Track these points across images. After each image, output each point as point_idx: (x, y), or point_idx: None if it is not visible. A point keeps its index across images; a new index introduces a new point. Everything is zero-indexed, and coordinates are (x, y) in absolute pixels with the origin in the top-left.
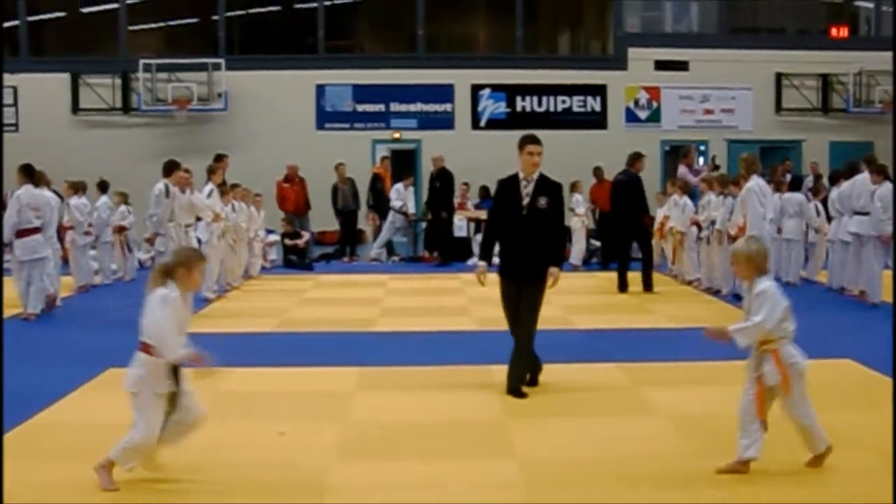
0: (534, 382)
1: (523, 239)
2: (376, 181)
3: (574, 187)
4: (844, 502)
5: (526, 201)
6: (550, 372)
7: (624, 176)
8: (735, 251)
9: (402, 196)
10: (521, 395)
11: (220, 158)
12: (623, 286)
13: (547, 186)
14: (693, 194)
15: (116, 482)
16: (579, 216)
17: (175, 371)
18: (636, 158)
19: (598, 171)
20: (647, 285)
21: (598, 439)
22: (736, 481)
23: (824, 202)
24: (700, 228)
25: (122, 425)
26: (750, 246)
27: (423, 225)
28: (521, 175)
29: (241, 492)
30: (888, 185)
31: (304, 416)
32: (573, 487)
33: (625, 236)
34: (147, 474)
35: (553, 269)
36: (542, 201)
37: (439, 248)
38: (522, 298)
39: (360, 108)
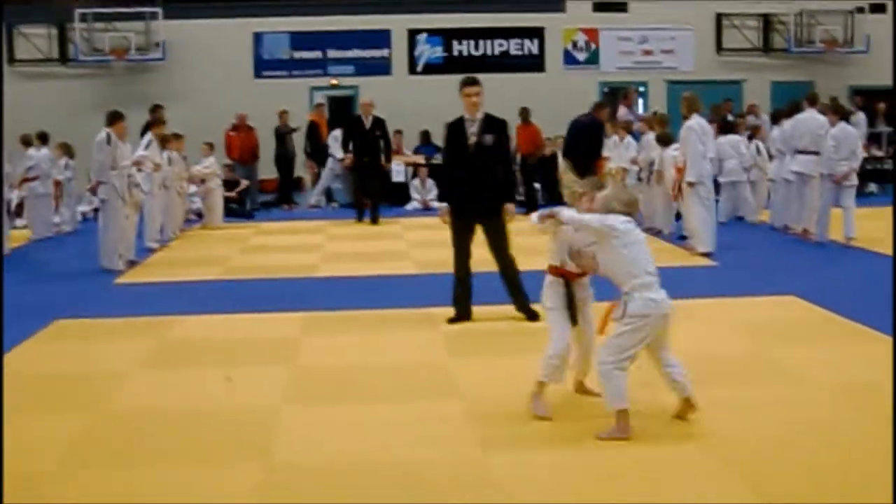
0: (531, 316)
1: (474, 177)
2: (313, 129)
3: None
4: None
5: (472, 140)
6: (492, 313)
7: (587, 118)
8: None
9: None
10: (536, 317)
11: (156, 110)
12: None
13: (492, 124)
14: (635, 136)
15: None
16: None
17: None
18: (601, 107)
19: (524, 112)
20: None
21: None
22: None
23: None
24: (640, 168)
25: (75, 375)
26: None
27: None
28: (466, 116)
29: (192, 437)
30: (842, 125)
31: (251, 362)
32: (519, 425)
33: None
34: (98, 421)
35: (508, 206)
36: (488, 139)
37: (371, 200)
38: (488, 238)
39: (298, 55)
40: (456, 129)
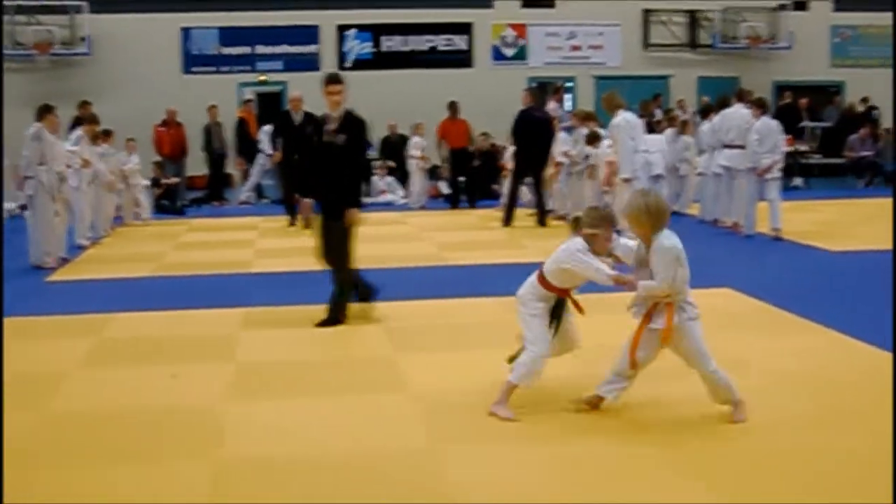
0: (366, 299)
1: (326, 176)
2: (241, 125)
3: (416, 130)
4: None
5: (327, 138)
6: (431, 308)
7: (540, 113)
8: (628, 208)
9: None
10: (330, 324)
11: (84, 106)
12: (509, 219)
13: (349, 124)
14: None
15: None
16: (415, 158)
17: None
18: (533, 94)
19: (452, 106)
20: (543, 220)
21: (488, 370)
22: (618, 407)
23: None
24: (571, 163)
25: (14, 375)
26: (639, 201)
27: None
28: (329, 113)
29: (140, 436)
30: (765, 119)
31: (193, 358)
32: (466, 418)
33: (525, 172)
34: (42, 422)
35: (350, 211)
36: (341, 138)
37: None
38: (332, 235)
39: (226, 51)
40: (318, 124)
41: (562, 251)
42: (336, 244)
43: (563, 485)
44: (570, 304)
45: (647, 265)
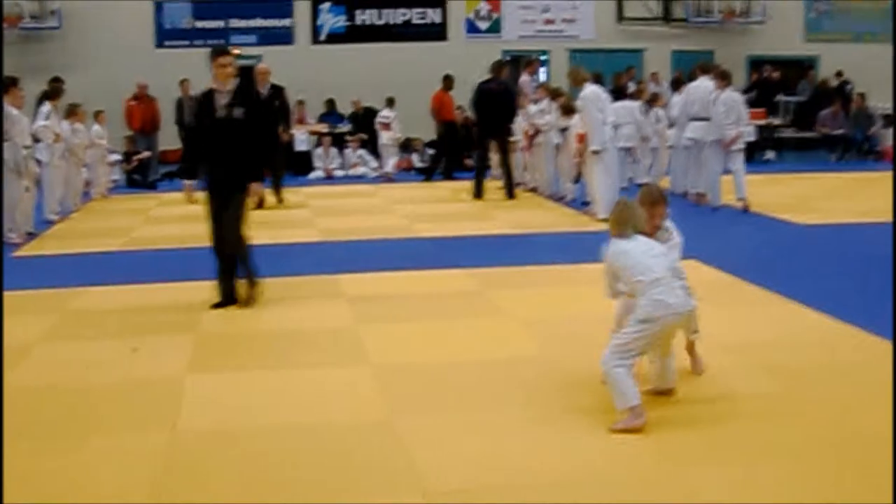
0: (250, 300)
1: (221, 152)
2: None
3: (390, 104)
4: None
5: (222, 114)
6: (397, 280)
7: (496, 85)
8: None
9: None
10: (225, 305)
11: (56, 81)
12: (480, 192)
13: (245, 97)
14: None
15: None
16: (387, 130)
17: None
18: (503, 66)
19: (448, 79)
20: (511, 192)
21: (451, 342)
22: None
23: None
24: (537, 133)
25: None
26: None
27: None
28: (217, 87)
29: (98, 408)
30: (729, 91)
31: (156, 331)
32: (430, 391)
33: (489, 143)
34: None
35: (253, 185)
36: (239, 112)
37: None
38: (227, 211)
39: (200, 24)
40: (204, 100)
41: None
42: (233, 218)
43: (520, 456)
44: None
45: None
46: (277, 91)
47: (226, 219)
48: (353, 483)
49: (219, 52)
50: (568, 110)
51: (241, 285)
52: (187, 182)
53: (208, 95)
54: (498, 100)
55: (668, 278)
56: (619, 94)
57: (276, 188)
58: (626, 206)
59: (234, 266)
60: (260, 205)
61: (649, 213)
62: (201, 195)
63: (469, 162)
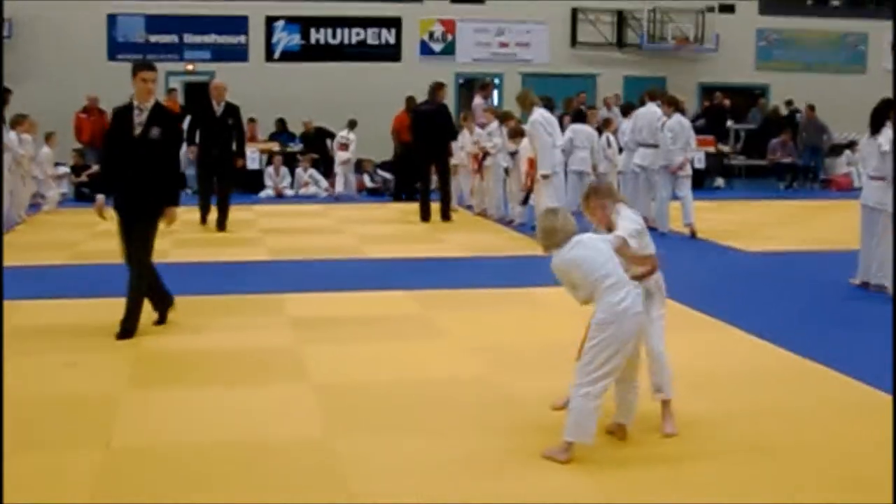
0: (162, 320)
1: (134, 172)
2: None
3: (352, 126)
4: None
5: (138, 132)
6: (342, 300)
7: (431, 105)
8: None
9: None
10: (128, 336)
11: (4, 93)
12: (426, 215)
13: (161, 116)
14: None
15: None
16: (344, 151)
17: None
18: (439, 88)
19: (411, 101)
20: (446, 214)
21: (392, 363)
22: (530, 405)
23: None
24: (486, 156)
25: None
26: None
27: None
28: (136, 103)
29: (31, 424)
30: (677, 117)
31: (95, 347)
32: (369, 411)
33: (429, 165)
34: None
35: (170, 210)
36: (155, 132)
37: (220, 203)
38: (133, 235)
39: (153, 39)
40: (123, 116)
41: None
42: (141, 248)
43: (451, 481)
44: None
45: None
46: (232, 109)
47: (134, 245)
48: (288, 501)
49: (142, 66)
50: (515, 134)
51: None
52: (99, 197)
53: (126, 111)
54: (434, 121)
55: (623, 281)
56: (578, 117)
57: (221, 222)
58: (549, 213)
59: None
60: (204, 220)
61: (584, 209)
62: (112, 213)
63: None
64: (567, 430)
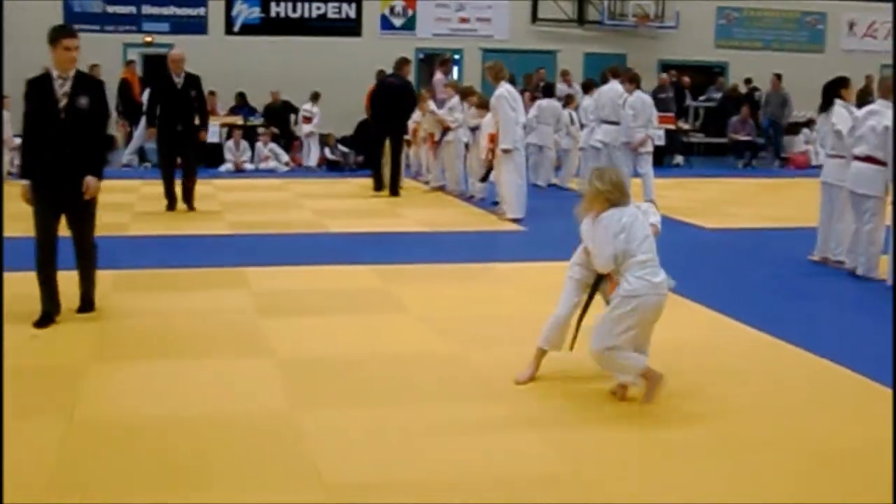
0: (90, 307)
1: (62, 145)
2: (124, 86)
3: (314, 98)
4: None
5: (63, 103)
6: (304, 274)
7: (396, 79)
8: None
9: None
10: (88, 310)
11: None
12: (379, 185)
13: (87, 85)
14: None
15: None
16: (308, 123)
17: None
18: (404, 63)
19: (381, 75)
20: (395, 189)
21: (355, 337)
22: (489, 379)
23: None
24: (446, 131)
25: None
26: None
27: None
28: (56, 73)
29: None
30: (639, 94)
31: (59, 319)
32: (333, 384)
33: (384, 138)
34: None
35: (90, 179)
36: (83, 101)
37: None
38: (72, 221)
39: (111, 9)
40: (42, 87)
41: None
42: (85, 228)
43: (422, 452)
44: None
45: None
46: (193, 80)
47: (76, 225)
48: (253, 475)
49: (64, 33)
50: (482, 106)
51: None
52: (26, 183)
53: (44, 82)
54: (397, 95)
55: (654, 259)
56: (547, 92)
57: (189, 199)
58: (615, 170)
59: (54, 281)
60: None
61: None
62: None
63: None
64: (625, 376)
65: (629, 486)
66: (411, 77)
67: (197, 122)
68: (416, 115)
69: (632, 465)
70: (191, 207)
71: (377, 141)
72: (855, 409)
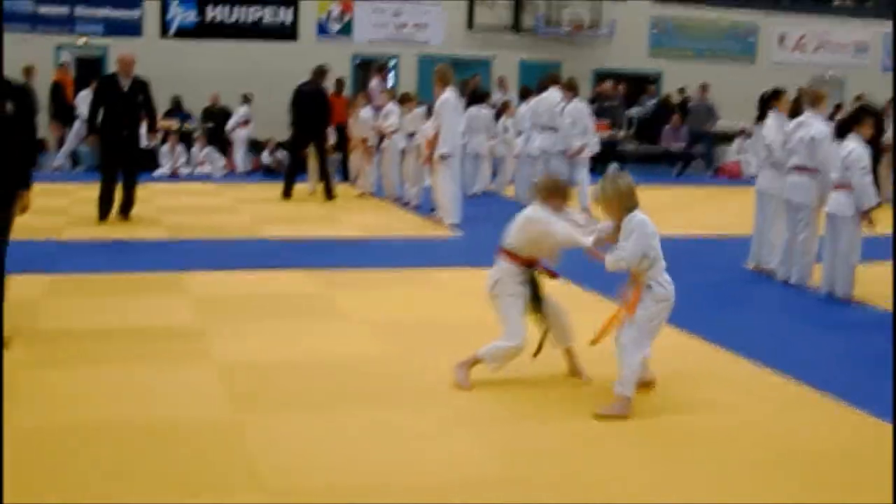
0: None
1: None
2: (57, 89)
3: (246, 100)
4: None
5: None
6: (242, 279)
7: (309, 86)
8: (598, 193)
9: None
10: None
11: None
12: (289, 192)
13: (12, 90)
14: None
15: None
16: (245, 127)
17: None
18: (323, 71)
19: (339, 83)
20: (329, 193)
21: (295, 342)
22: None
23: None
24: (382, 138)
25: None
26: (617, 183)
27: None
28: None
29: None
30: (576, 103)
31: None
32: (275, 389)
33: (303, 145)
34: None
35: (24, 193)
36: (9, 107)
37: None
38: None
39: (43, 9)
40: None
41: (523, 217)
42: (4, 233)
43: (363, 456)
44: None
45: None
46: (142, 85)
47: None
48: (194, 480)
49: None
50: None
51: None
52: None
53: None
54: (313, 102)
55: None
56: (476, 99)
57: (126, 208)
58: (625, 175)
59: None
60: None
61: (560, 204)
62: None
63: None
64: (623, 387)
65: (562, 485)
66: (346, 82)
67: (144, 128)
68: (352, 120)
69: (563, 463)
70: (126, 217)
71: (296, 148)
72: (781, 410)
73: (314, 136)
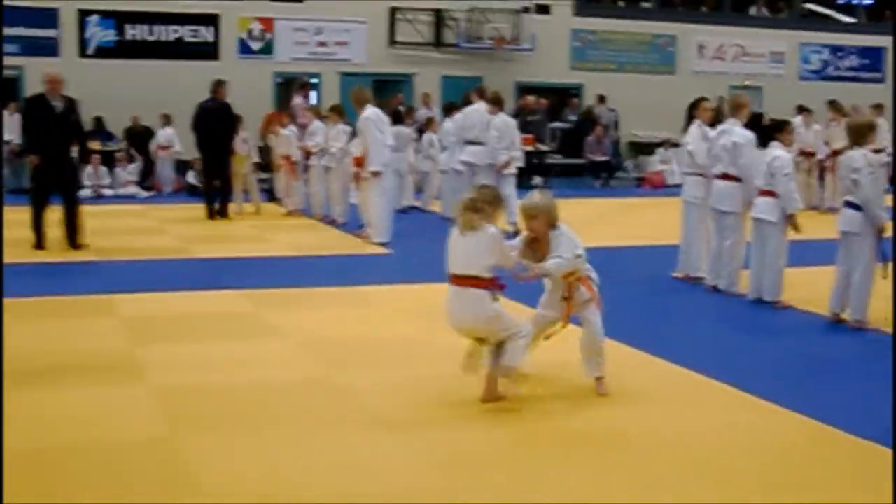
0: None
1: None
2: None
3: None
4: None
5: None
6: (173, 300)
7: (213, 103)
8: (529, 205)
9: None
10: None
11: None
12: (212, 213)
13: None
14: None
15: None
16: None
17: None
18: (221, 85)
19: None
20: (224, 212)
21: (230, 363)
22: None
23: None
24: (309, 156)
25: None
26: (548, 196)
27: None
28: None
29: None
30: (503, 117)
31: None
32: (211, 410)
33: (215, 162)
34: None
35: None
36: None
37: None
38: None
39: None
40: None
41: (488, 238)
42: None
43: (302, 473)
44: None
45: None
46: (72, 104)
47: None
48: (130, 500)
49: None
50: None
51: None
52: None
53: None
54: (216, 118)
55: None
56: (396, 118)
57: (73, 237)
58: (547, 192)
59: None
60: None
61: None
62: None
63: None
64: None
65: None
66: (267, 100)
67: (76, 150)
68: (275, 139)
69: (498, 467)
70: (76, 245)
71: (206, 167)
72: (715, 414)
73: (216, 153)
